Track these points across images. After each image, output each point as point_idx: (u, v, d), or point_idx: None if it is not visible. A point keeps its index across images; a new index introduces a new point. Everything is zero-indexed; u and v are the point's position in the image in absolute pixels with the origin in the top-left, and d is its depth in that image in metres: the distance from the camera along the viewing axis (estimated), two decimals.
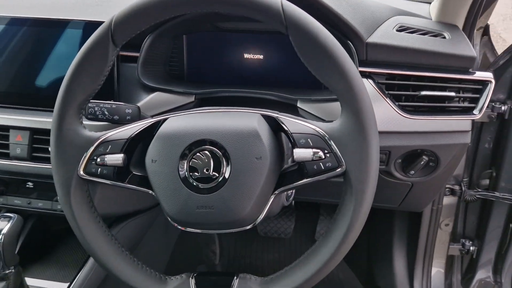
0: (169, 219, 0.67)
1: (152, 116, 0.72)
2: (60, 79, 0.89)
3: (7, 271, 0.86)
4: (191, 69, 1.01)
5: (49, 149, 0.67)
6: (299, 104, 0.91)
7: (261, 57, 0.98)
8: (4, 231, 0.85)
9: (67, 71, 0.65)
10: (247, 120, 0.65)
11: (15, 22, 0.92)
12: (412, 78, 0.88)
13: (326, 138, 0.62)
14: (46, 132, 0.91)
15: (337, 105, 0.87)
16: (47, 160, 0.93)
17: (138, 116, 0.81)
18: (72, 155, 0.66)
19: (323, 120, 0.88)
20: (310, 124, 0.63)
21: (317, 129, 0.62)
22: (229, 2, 0.60)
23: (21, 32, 0.92)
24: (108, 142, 0.66)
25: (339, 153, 0.61)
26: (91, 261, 1.00)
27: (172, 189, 0.63)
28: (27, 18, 0.92)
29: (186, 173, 0.63)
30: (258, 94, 0.94)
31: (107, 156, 0.66)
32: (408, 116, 0.86)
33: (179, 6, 0.61)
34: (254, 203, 0.63)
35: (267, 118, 0.67)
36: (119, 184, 0.68)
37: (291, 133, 0.63)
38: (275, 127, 0.67)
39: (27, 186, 0.99)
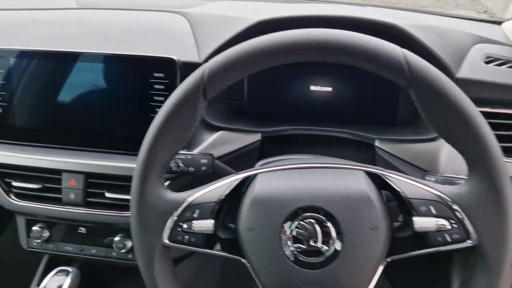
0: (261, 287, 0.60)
1: (222, 160, 0.65)
2: (114, 118, 0.84)
3: None
4: (253, 103, 0.93)
5: (130, 214, 0.60)
6: (377, 144, 0.84)
7: (329, 89, 0.91)
8: (65, 286, 0.78)
9: (150, 129, 0.58)
10: (353, 181, 0.58)
11: (67, 58, 0.84)
12: (503, 116, 0.80)
13: (453, 206, 0.54)
14: (102, 176, 0.85)
15: (425, 148, 0.81)
16: (102, 206, 0.87)
17: (212, 165, 0.74)
18: (156, 222, 0.59)
19: (410, 165, 0.81)
20: (430, 188, 0.56)
21: (441, 194, 0.55)
22: (343, 51, 0.52)
23: (74, 68, 0.84)
24: (195, 206, 0.59)
25: (470, 225, 0.53)
26: None
27: (272, 261, 0.56)
28: (79, 53, 0.84)
29: (289, 244, 0.56)
30: (330, 132, 0.86)
31: (194, 222, 0.59)
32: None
33: (287, 56, 0.54)
34: (366, 277, 0.56)
35: (370, 175, 0.60)
36: (207, 251, 0.60)
37: (408, 198, 0.56)
38: (380, 185, 0.60)
39: (79, 231, 0.91)
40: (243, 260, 0.61)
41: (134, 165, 0.81)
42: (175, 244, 0.59)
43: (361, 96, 0.90)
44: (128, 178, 0.83)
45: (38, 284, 0.98)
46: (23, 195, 0.89)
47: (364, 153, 0.88)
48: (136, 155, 0.84)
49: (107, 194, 0.84)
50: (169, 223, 0.59)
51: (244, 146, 0.85)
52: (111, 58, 0.82)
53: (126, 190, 0.84)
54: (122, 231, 0.90)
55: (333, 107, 0.91)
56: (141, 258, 0.60)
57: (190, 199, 0.59)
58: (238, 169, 0.83)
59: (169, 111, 0.56)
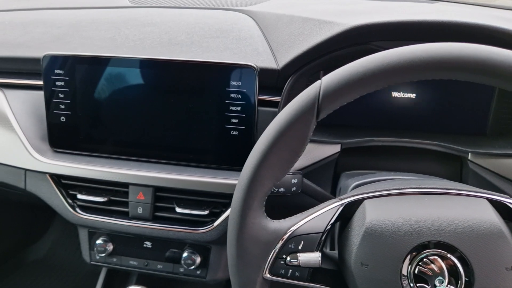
0: None
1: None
2: (185, 129, 0.78)
3: None
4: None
5: (228, 245, 0.55)
6: (471, 158, 0.76)
7: (413, 96, 0.84)
8: None
9: (254, 152, 0.52)
10: (480, 210, 0.51)
11: (135, 64, 0.79)
12: None
13: None
14: (171, 190, 0.80)
15: None
16: (171, 221, 0.82)
17: (301, 185, 0.68)
18: (256, 254, 0.53)
19: (506, 180, 0.74)
20: None
21: None
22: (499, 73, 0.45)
23: (142, 75, 0.79)
24: (300, 237, 0.54)
25: None
26: None
27: None
28: (148, 60, 0.78)
29: (411, 284, 0.50)
30: (416, 144, 0.80)
31: (300, 255, 0.53)
32: None
33: (411, 73, 0.47)
34: None
35: (493, 203, 0.53)
36: (310, 285, 0.55)
37: None
38: (505, 215, 0.53)
39: (145, 245, 0.87)
40: None
41: (205, 179, 0.77)
42: (276, 278, 0.54)
43: (448, 104, 0.83)
44: (200, 193, 0.79)
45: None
46: (87, 208, 0.85)
47: (450, 166, 0.82)
48: (209, 167, 0.80)
49: (178, 209, 0.79)
50: (272, 256, 0.53)
51: (324, 158, 0.79)
52: (183, 65, 0.76)
53: (197, 205, 0.80)
54: (191, 246, 0.85)
55: (416, 115, 0.84)
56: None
57: (293, 229, 0.54)
58: (314, 182, 0.78)
59: (278, 134, 0.50)
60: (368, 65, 0.48)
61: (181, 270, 0.87)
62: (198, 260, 0.85)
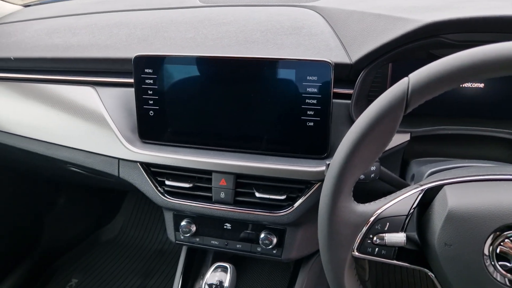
0: None
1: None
2: (264, 121, 0.85)
3: None
4: None
5: (319, 227, 0.61)
6: None
7: (481, 85, 0.86)
8: (226, 284, 0.83)
9: (347, 140, 0.58)
10: None
11: (218, 62, 0.86)
12: None
13: None
14: (251, 177, 0.87)
15: None
16: (250, 205, 0.90)
17: (379, 172, 0.74)
18: (347, 234, 0.60)
19: None
20: None
21: None
22: None
23: (223, 72, 0.86)
24: (385, 219, 0.60)
25: None
26: None
27: (472, 278, 0.55)
28: (231, 58, 0.85)
29: (492, 262, 0.55)
30: (486, 132, 0.83)
31: (386, 235, 0.59)
32: None
33: (498, 70, 0.51)
34: None
35: None
36: (395, 263, 0.61)
37: None
38: None
39: (225, 227, 0.96)
40: (430, 274, 0.61)
41: (283, 167, 0.84)
42: (364, 256, 0.60)
43: None
44: (278, 179, 0.86)
45: (184, 274, 1.05)
46: (174, 193, 0.94)
47: None
48: (285, 156, 0.87)
49: (257, 194, 0.87)
50: (360, 236, 0.60)
51: (394, 147, 0.84)
52: (263, 63, 0.83)
53: (275, 190, 0.87)
54: (268, 228, 0.93)
55: (485, 103, 0.87)
56: (330, 270, 0.61)
57: (378, 212, 0.60)
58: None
59: (369, 127, 0.56)
60: (455, 62, 0.52)
61: (259, 249, 0.95)
62: (274, 240, 0.92)
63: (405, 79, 0.55)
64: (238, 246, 0.96)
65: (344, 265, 0.60)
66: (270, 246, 0.92)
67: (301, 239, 0.93)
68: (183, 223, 0.97)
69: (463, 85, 0.87)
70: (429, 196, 0.61)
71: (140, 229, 1.88)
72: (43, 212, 1.69)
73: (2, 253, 1.49)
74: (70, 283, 1.66)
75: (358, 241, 0.60)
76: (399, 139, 0.84)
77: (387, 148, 0.84)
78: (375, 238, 0.60)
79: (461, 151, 0.86)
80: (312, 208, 0.86)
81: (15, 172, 1.50)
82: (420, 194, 0.61)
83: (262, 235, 0.93)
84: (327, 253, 0.61)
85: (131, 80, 0.91)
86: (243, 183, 0.89)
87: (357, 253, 0.60)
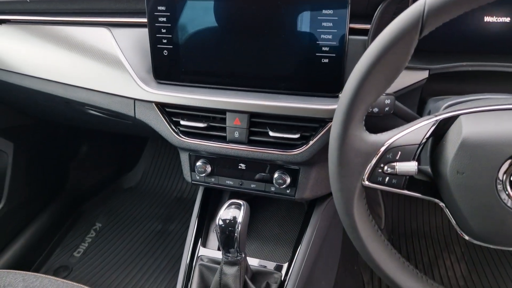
0: (459, 231, 0.60)
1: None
2: (278, 58, 0.84)
3: (239, 257, 0.87)
4: None
5: (329, 155, 0.61)
6: None
7: (507, 20, 0.82)
8: (240, 219, 0.84)
9: (358, 66, 0.56)
10: None
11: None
12: None
13: None
14: (265, 116, 0.87)
15: None
16: (264, 144, 0.90)
17: (393, 106, 0.73)
18: (357, 163, 0.60)
19: None
20: None
21: None
22: None
23: (238, 9, 0.84)
24: (397, 148, 0.59)
25: None
26: (306, 239, 0.98)
27: (484, 206, 0.55)
28: None
29: (505, 189, 0.54)
30: (510, 68, 0.79)
31: (397, 164, 0.59)
32: None
33: None
34: None
35: None
36: (405, 193, 0.61)
37: None
38: None
39: (239, 167, 0.97)
40: (441, 204, 0.61)
41: (297, 105, 0.83)
42: (374, 185, 0.61)
43: None
44: (292, 118, 0.86)
45: (200, 214, 1.08)
46: (189, 133, 0.95)
47: None
48: (300, 94, 0.86)
49: (271, 133, 0.87)
50: (371, 165, 0.60)
51: (412, 84, 0.82)
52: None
53: (289, 129, 0.87)
54: (282, 168, 0.94)
55: (508, 39, 0.83)
56: (340, 198, 0.62)
57: (391, 141, 0.59)
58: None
59: (382, 50, 0.54)
60: None
61: (273, 189, 0.96)
62: (288, 180, 0.93)
63: (421, 0, 0.53)
64: (252, 185, 0.97)
65: (354, 194, 0.61)
66: (284, 186, 0.93)
67: (315, 179, 0.94)
68: (198, 163, 0.99)
69: (486, 20, 0.83)
70: (444, 127, 0.60)
71: (160, 178, 1.93)
72: (68, 159, 1.75)
73: (31, 196, 1.56)
74: (94, 226, 1.74)
75: (369, 170, 0.60)
76: (417, 76, 0.82)
77: (405, 86, 0.82)
78: (386, 167, 0.59)
79: (481, 88, 0.83)
80: (325, 147, 0.85)
81: (40, 120, 1.54)
82: (434, 124, 0.59)
83: (276, 175, 0.94)
84: (336, 181, 0.61)
85: (146, 20, 0.90)
86: (257, 123, 0.89)
87: (367, 182, 0.60)
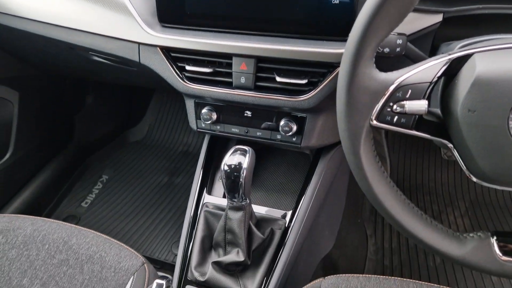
0: (468, 173, 0.59)
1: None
2: (289, 3, 0.81)
3: (244, 202, 0.88)
4: None
5: (337, 94, 0.60)
6: None
7: None
8: (245, 165, 0.84)
9: (369, 3, 0.54)
10: None
11: None
12: None
13: None
14: (272, 60, 0.85)
15: None
16: (270, 90, 0.89)
17: (405, 47, 0.70)
18: (366, 102, 0.58)
19: None
20: None
21: None
22: None
23: None
24: (407, 86, 0.57)
25: None
26: (311, 188, 0.98)
27: (494, 145, 0.54)
28: None
29: None
30: None
31: (407, 103, 0.57)
32: None
33: None
34: None
35: None
36: (413, 133, 0.60)
37: None
38: None
39: (245, 114, 0.96)
40: (450, 145, 0.60)
41: (305, 49, 0.81)
42: (382, 125, 0.59)
43: None
44: (299, 63, 0.84)
45: (206, 162, 1.08)
46: (194, 78, 0.93)
47: None
48: (308, 38, 0.83)
49: (278, 79, 0.85)
50: (380, 103, 0.58)
51: (424, 28, 0.79)
52: None
53: (296, 75, 0.85)
54: (288, 115, 0.93)
55: None
56: (347, 138, 0.61)
57: (401, 79, 0.58)
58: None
59: None
60: None
61: (278, 137, 0.95)
62: (294, 128, 0.92)
63: None
64: (258, 133, 0.97)
65: (361, 134, 0.60)
66: (290, 133, 0.93)
67: (321, 127, 0.93)
68: (204, 110, 0.98)
69: None
70: (456, 67, 0.58)
71: (166, 131, 1.94)
72: (73, 112, 1.75)
73: (38, 147, 1.57)
74: (101, 178, 1.76)
75: (378, 109, 0.59)
76: (431, 20, 0.79)
77: (417, 30, 0.80)
78: (395, 106, 0.58)
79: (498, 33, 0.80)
80: (333, 93, 0.83)
81: (45, 71, 1.53)
82: (447, 63, 0.57)
83: (282, 122, 0.93)
84: (344, 120, 0.60)
85: None
86: (264, 68, 0.87)
87: (375, 122, 0.59)
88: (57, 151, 1.68)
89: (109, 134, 1.90)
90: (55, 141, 1.67)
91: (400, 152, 1.62)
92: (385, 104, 0.58)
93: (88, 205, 1.64)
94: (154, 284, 0.71)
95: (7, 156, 1.40)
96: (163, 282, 0.72)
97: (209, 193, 1.05)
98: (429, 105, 0.57)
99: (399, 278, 0.81)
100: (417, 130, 0.59)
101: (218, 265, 0.89)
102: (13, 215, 1.05)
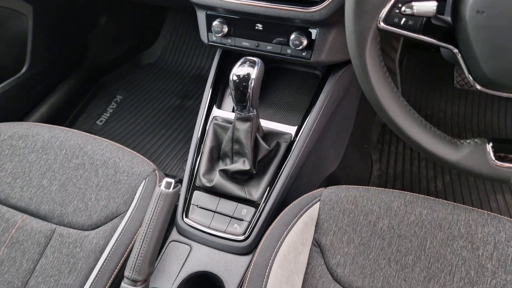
0: (471, 80, 0.60)
1: None
2: None
3: (251, 113, 0.90)
4: None
5: None
6: None
7: None
8: (253, 76, 0.86)
9: None
10: None
11: None
12: None
13: None
14: None
15: None
16: (282, 1, 0.88)
17: None
18: (374, 2, 0.58)
19: None
20: None
21: None
22: None
23: None
24: None
25: None
26: (318, 104, 1.00)
27: (500, 47, 0.54)
28: None
29: None
30: None
31: (416, 4, 0.57)
32: None
33: None
34: None
35: None
36: (420, 37, 0.60)
37: None
38: None
39: (256, 28, 0.96)
40: (455, 50, 0.60)
41: None
42: (389, 27, 0.59)
43: None
44: None
45: (217, 77, 1.10)
46: None
47: None
48: None
49: None
50: (389, 4, 0.58)
51: None
52: None
53: None
54: (299, 29, 0.92)
55: None
56: (353, 40, 0.61)
57: None
58: None
59: None
60: None
61: (289, 51, 0.95)
62: (304, 42, 0.92)
63: None
64: (268, 48, 0.97)
65: (368, 36, 0.60)
66: (300, 47, 0.93)
67: (332, 42, 0.93)
68: (215, 22, 0.98)
69: None
70: None
71: (179, 55, 1.94)
72: (87, 31, 1.75)
73: (53, 63, 1.59)
74: (115, 98, 1.80)
75: (386, 10, 0.58)
76: None
77: None
78: (403, 8, 0.58)
79: None
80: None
81: None
82: None
83: (293, 36, 0.92)
84: (351, 22, 0.60)
85: None
86: None
87: (382, 24, 0.59)
88: (72, 69, 1.70)
89: (123, 56, 1.91)
90: (69, 59, 1.69)
91: (412, 83, 1.61)
92: (394, 5, 0.58)
93: (102, 123, 1.69)
94: (164, 182, 0.76)
95: (24, 70, 1.43)
96: (172, 180, 0.77)
97: (219, 107, 1.07)
98: (437, 7, 0.56)
99: (397, 190, 0.84)
100: (424, 34, 0.59)
101: (224, 173, 0.94)
102: (31, 122, 1.10)
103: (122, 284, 0.74)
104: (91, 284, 0.82)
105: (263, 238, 0.81)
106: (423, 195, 0.82)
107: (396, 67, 1.52)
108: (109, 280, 0.82)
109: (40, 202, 0.93)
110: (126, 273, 0.74)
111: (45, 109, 1.57)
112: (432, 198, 0.82)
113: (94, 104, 1.76)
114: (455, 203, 0.80)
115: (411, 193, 0.83)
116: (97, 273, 0.83)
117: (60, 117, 1.64)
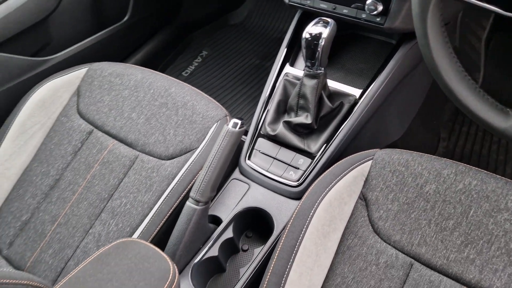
0: None
1: None
2: None
3: (319, 71, 0.96)
4: None
5: None
6: None
7: None
8: (324, 35, 0.91)
9: None
10: None
11: None
12: None
13: None
14: None
15: None
16: None
17: None
18: None
19: None
20: None
21: None
22: None
23: None
24: None
25: None
26: (386, 70, 1.03)
27: None
28: None
29: None
30: None
31: None
32: None
33: None
34: None
35: None
36: (484, 5, 0.62)
37: None
38: None
39: None
40: None
41: None
42: None
43: None
44: None
45: (293, 38, 1.16)
46: None
47: None
48: None
49: None
50: None
51: None
52: None
53: None
54: None
55: None
56: (417, 4, 0.65)
57: None
58: None
59: None
60: None
61: (363, 16, 0.99)
62: (380, 8, 0.95)
63: None
64: (344, 11, 1.01)
65: (430, 2, 0.63)
66: (375, 13, 0.96)
67: (407, 10, 0.95)
68: None
69: None
70: None
71: (263, 17, 2.02)
72: None
73: (150, 16, 1.76)
74: (201, 53, 1.94)
75: None
76: None
77: None
78: None
79: None
80: None
81: None
82: None
83: (369, 1, 0.96)
84: None
85: None
86: None
87: None
88: (166, 23, 1.86)
89: (212, 15, 2.03)
90: (165, 13, 1.84)
91: (497, 66, 1.53)
92: None
93: (187, 75, 1.85)
94: (231, 122, 0.86)
95: (125, 18, 1.61)
96: (238, 121, 0.87)
97: (292, 65, 1.14)
98: None
99: (450, 160, 0.86)
100: (488, 2, 0.61)
101: (288, 124, 1.02)
102: (128, 64, 1.26)
103: (187, 202, 0.87)
104: (162, 202, 0.96)
105: (313, 184, 0.89)
106: (476, 168, 0.84)
107: (482, 47, 1.47)
108: (177, 200, 0.96)
109: (128, 131, 1.09)
110: (192, 194, 0.87)
111: (140, 55, 1.75)
112: (485, 171, 0.83)
113: (182, 56, 1.92)
114: (508, 179, 0.81)
115: (465, 164, 0.84)
116: (168, 194, 0.97)
117: (152, 64, 1.82)
